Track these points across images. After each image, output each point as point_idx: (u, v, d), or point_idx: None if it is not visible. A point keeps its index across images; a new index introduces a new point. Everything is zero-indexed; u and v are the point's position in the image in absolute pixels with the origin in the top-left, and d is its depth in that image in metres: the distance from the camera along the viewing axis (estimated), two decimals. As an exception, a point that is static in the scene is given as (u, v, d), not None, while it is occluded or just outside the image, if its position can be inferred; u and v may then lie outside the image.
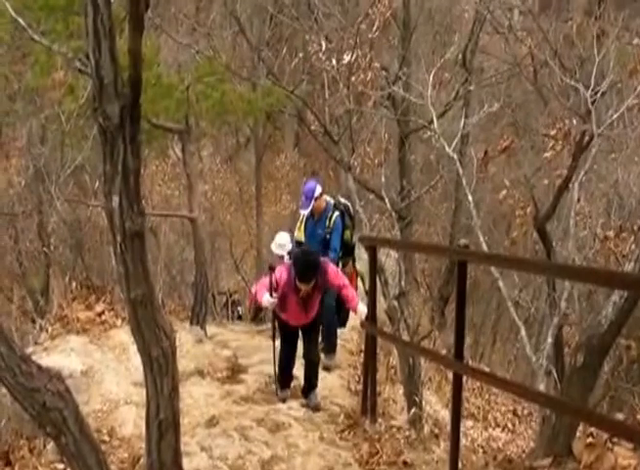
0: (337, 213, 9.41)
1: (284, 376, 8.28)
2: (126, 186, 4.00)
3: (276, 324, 8.24)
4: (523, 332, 9.37)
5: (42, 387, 4.27)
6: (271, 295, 7.51)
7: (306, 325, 8.00)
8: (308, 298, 7.66)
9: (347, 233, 9.57)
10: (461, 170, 10.76)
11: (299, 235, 9.74)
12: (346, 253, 9.65)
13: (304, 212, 9.49)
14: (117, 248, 4.16)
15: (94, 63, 3.82)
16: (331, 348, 9.52)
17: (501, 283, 9.76)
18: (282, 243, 10.47)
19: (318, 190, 9.34)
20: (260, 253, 20.76)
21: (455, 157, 10.37)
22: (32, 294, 10.99)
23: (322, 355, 8.91)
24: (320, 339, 8.91)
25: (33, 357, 4.67)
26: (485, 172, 14.87)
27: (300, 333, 8.15)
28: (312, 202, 9.28)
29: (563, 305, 9.22)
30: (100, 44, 3.76)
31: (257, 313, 16.93)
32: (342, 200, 9.87)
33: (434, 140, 12.95)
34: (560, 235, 11.96)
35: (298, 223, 9.81)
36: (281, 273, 7.64)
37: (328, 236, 9.38)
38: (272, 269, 7.76)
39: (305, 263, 7.45)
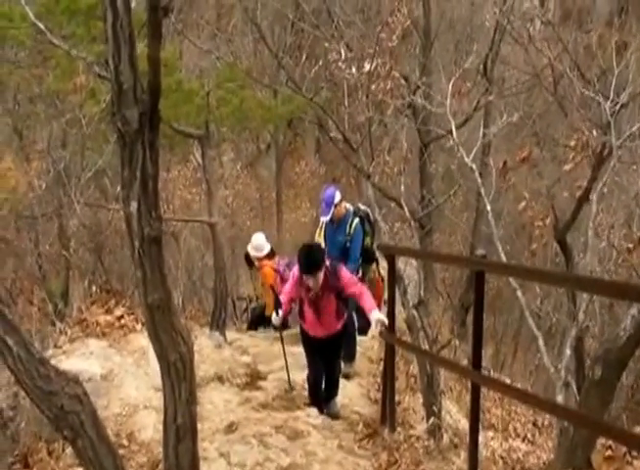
0: (357, 220, 9.39)
1: (314, 399, 8.21)
2: (145, 191, 4.00)
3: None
4: (541, 342, 9.27)
5: (60, 390, 4.27)
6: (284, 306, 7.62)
7: (329, 338, 7.92)
8: (318, 299, 7.64)
9: (368, 240, 9.54)
10: (480, 180, 10.69)
11: (319, 241, 9.58)
12: (366, 259, 9.64)
13: (325, 219, 9.44)
14: (135, 253, 4.16)
15: (113, 68, 3.82)
16: (350, 356, 9.47)
17: (519, 293, 9.67)
18: (258, 244, 10.46)
19: (337, 197, 9.30)
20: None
21: (474, 167, 10.30)
22: (52, 297, 11.02)
23: (341, 363, 8.89)
24: None
25: (53, 361, 4.68)
26: (505, 183, 14.81)
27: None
28: (332, 208, 9.23)
29: (581, 316, 9.12)
30: (119, 49, 3.76)
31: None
32: (362, 207, 9.83)
33: (455, 149, 12.94)
34: (580, 247, 11.87)
35: (318, 230, 9.78)
36: (292, 272, 7.74)
37: (348, 243, 9.34)
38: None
39: (307, 254, 7.48)
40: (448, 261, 12.98)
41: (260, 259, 11.58)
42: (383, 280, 11.71)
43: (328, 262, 7.60)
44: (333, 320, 7.85)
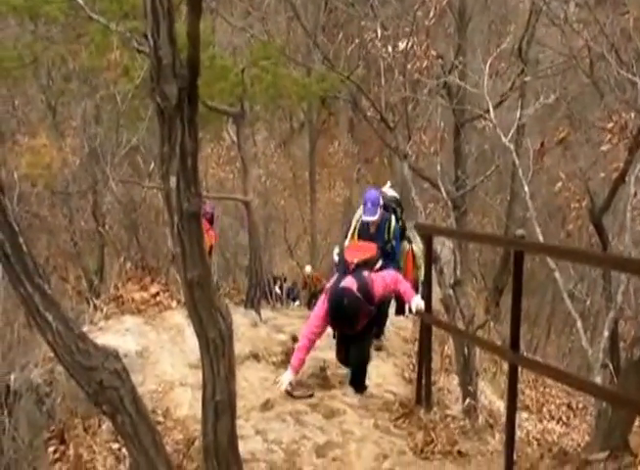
0: (394, 222, 8.99)
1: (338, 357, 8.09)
2: (184, 167, 3.98)
3: None
4: (579, 324, 9.20)
5: (99, 365, 4.27)
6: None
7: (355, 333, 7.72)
8: None
9: (400, 223, 9.31)
10: (517, 161, 10.58)
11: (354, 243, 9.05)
12: (400, 238, 9.45)
13: (371, 219, 8.87)
14: (174, 229, 4.13)
15: (152, 43, 3.79)
16: (379, 333, 9.38)
17: (557, 274, 9.58)
18: None
19: (381, 200, 8.91)
20: (314, 239, 20.78)
21: (512, 147, 10.19)
22: (87, 274, 11.08)
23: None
24: None
25: (89, 337, 4.65)
26: (541, 164, 14.66)
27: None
28: (379, 209, 8.83)
29: (619, 298, 9.02)
30: (159, 25, 3.73)
31: (313, 299, 16.95)
32: (390, 192, 9.54)
33: (488, 130, 12.80)
34: (616, 230, 11.73)
35: (350, 232, 9.24)
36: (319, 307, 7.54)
37: (388, 248, 8.90)
38: None
39: (337, 308, 7.22)
40: (487, 242, 12.90)
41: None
42: (415, 257, 11.67)
43: (356, 285, 7.28)
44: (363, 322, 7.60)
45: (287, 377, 7.42)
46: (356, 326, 7.27)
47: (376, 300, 7.35)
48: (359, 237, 9.00)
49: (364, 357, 7.88)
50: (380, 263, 7.97)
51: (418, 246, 10.34)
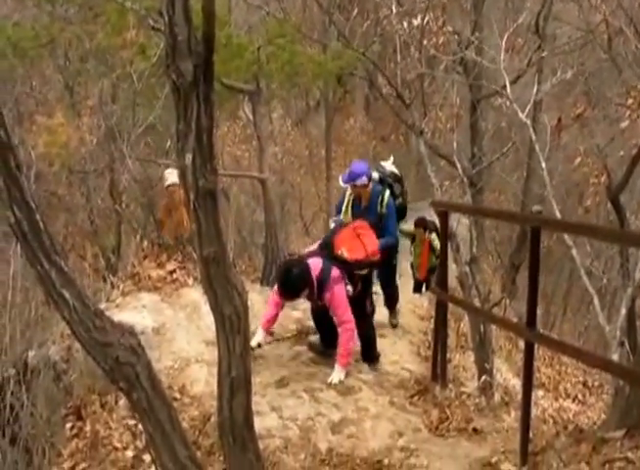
0: (387, 196, 8.48)
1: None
2: (200, 144, 3.98)
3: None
4: (596, 301, 9.16)
5: (115, 341, 4.29)
6: None
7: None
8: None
9: (399, 201, 8.85)
10: (534, 137, 10.51)
11: (347, 219, 8.60)
12: (400, 218, 9.23)
13: (342, 185, 8.58)
14: (190, 205, 4.14)
15: (167, 20, 3.79)
16: (393, 311, 9.32)
17: (575, 251, 9.54)
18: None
19: (363, 179, 8.35)
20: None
21: (529, 123, 10.12)
22: (104, 252, 11.13)
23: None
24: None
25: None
26: (559, 140, 14.57)
27: None
28: (353, 183, 8.38)
29: (637, 275, 8.97)
30: (173, 1, 3.71)
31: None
32: (389, 167, 9.05)
33: (504, 107, 12.71)
34: (634, 207, 11.66)
35: (344, 205, 8.74)
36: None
37: (381, 226, 8.39)
38: None
39: (285, 280, 7.17)
40: (504, 218, 12.81)
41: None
42: (432, 249, 11.65)
43: (319, 270, 7.18)
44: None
45: (257, 337, 7.42)
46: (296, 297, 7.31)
47: (329, 297, 7.22)
48: (352, 211, 8.60)
49: (367, 331, 7.89)
50: (365, 271, 7.74)
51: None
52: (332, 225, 8.40)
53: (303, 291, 7.19)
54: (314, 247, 7.81)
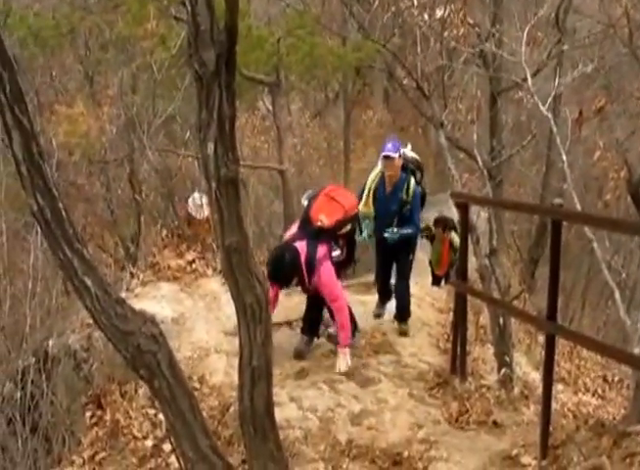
0: (413, 184, 8.38)
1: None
2: (222, 133, 3.98)
3: None
4: (617, 295, 9.08)
5: (137, 330, 4.30)
6: None
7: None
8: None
9: (420, 189, 8.69)
10: (555, 129, 10.44)
11: (367, 210, 8.51)
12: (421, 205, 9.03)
13: (393, 155, 8.21)
14: (212, 195, 4.14)
15: (190, 9, 3.79)
16: (404, 316, 8.92)
17: (595, 245, 9.47)
18: (198, 204, 9.73)
19: (398, 150, 8.31)
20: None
21: (550, 116, 10.05)
22: (124, 241, 11.15)
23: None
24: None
25: (125, 303, 4.68)
26: (579, 133, 14.49)
27: None
28: (397, 153, 8.24)
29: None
30: (196, -9, 3.71)
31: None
32: (410, 153, 8.91)
33: (525, 100, 12.63)
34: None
35: (365, 193, 8.55)
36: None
37: (405, 212, 8.36)
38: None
39: (275, 268, 7.22)
40: (524, 210, 12.77)
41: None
42: (452, 246, 11.59)
43: (304, 253, 7.21)
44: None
45: None
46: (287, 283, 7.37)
47: (320, 279, 7.27)
48: (374, 198, 8.47)
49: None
50: (349, 226, 7.77)
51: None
52: (305, 203, 8.20)
53: (294, 277, 7.24)
54: (295, 228, 7.81)
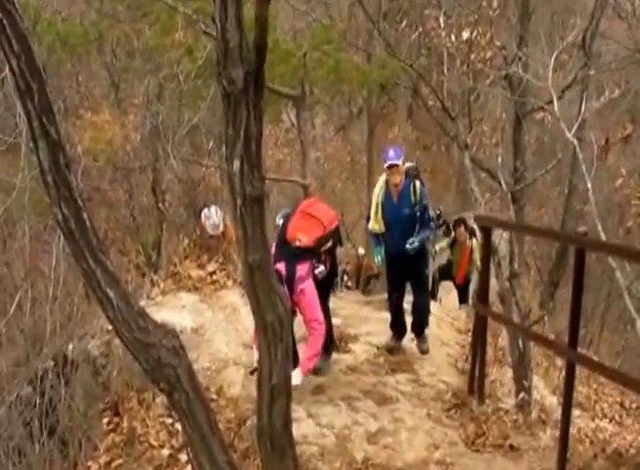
0: (419, 185, 8.23)
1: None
2: (248, 151, 3.98)
3: None
4: (639, 324, 9.03)
5: (157, 342, 4.30)
6: None
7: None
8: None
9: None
10: (581, 155, 10.41)
11: (377, 226, 8.42)
12: None
13: (397, 162, 8.09)
14: (237, 212, 4.14)
15: (220, 26, 3.77)
16: (420, 331, 8.82)
17: (619, 274, 9.38)
18: (216, 223, 9.52)
19: (401, 156, 8.21)
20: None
21: (575, 142, 10.01)
22: (145, 248, 11.18)
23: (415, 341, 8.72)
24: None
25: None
26: (605, 160, 14.45)
27: None
28: (400, 159, 8.14)
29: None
30: (226, 7, 3.71)
31: (367, 284, 16.96)
32: (407, 163, 8.64)
33: (547, 122, 12.60)
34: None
35: (373, 210, 8.43)
36: None
37: (418, 213, 8.21)
38: None
39: None
40: (547, 236, 12.69)
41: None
42: (472, 252, 11.63)
43: (284, 275, 6.85)
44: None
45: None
46: None
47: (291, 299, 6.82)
48: (382, 211, 8.30)
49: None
50: (329, 244, 7.42)
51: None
52: (279, 222, 7.93)
53: None
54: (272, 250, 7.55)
